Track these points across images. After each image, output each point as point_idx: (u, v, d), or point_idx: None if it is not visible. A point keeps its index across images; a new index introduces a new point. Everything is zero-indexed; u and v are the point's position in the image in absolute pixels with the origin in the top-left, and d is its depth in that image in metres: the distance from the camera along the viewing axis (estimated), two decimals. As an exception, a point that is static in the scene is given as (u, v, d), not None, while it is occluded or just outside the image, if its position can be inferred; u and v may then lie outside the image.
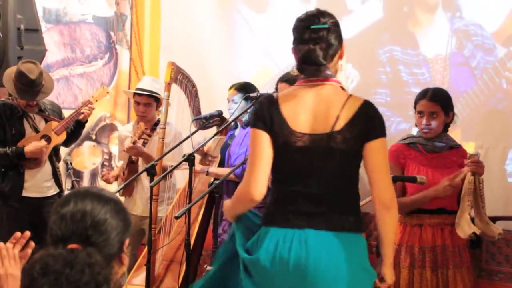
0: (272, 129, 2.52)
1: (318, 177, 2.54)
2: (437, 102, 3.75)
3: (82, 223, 1.85)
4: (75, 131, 4.96)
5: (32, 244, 2.14)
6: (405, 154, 3.81)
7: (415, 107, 3.85)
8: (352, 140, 2.52)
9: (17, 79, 4.58)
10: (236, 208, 2.70)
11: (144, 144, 4.72)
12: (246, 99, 4.35)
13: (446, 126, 3.83)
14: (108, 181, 5.03)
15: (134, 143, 4.59)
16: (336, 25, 2.64)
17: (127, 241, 1.95)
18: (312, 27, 2.58)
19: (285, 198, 2.57)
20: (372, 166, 2.55)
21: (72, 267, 1.74)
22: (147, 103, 4.80)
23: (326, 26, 2.59)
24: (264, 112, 2.54)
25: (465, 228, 3.51)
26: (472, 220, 3.56)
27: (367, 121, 2.54)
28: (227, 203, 2.78)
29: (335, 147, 2.51)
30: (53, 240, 1.87)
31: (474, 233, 3.50)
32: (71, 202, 1.89)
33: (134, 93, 4.86)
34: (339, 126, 2.51)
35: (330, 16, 2.65)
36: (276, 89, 4.31)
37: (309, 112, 2.54)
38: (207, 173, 4.56)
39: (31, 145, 4.61)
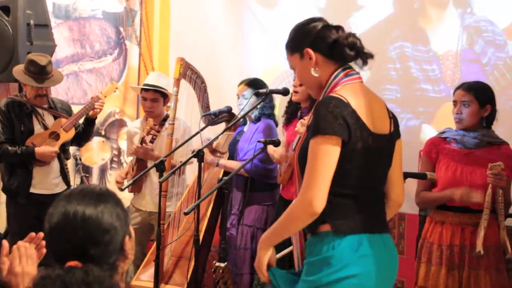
0: (352, 135, 2.38)
1: (383, 179, 2.59)
2: (470, 91, 3.65)
3: (76, 237, 1.78)
4: (86, 129, 4.95)
5: (43, 243, 2.11)
6: (439, 149, 3.73)
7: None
8: (396, 139, 2.60)
9: (27, 67, 4.59)
10: (292, 227, 2.45)
11: (152, 140, 4.71)
12: (256, 95, 4.33)
13: (488, 122, 3.70)
14: (120, 186, 4.88)
15: (143, 139, 4.59)
16: None
17: (127, 237, 1.89)
18: (335, 25, 2.56)
19: (365, 203, 2.47)
20: (395, 164, 2.61)
21: None
22: (154, 99, 4.79)
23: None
24: (340, 116, 2.37)
25: (478, 243, 3.43)
26: None
27: (396, 120, 2.64)
28: (269, 234, 2.52)
29: (392, 147, 2.57)
30: (53, 256, 1.83)
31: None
32: (61, 211, 1.82)
33: (141, 89, 4.86)
34: (392, 125, 2.57)
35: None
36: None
37: (374, 111, 2.49)
38: (217, 165, 4.56)
39: (43, 148, 4.61)
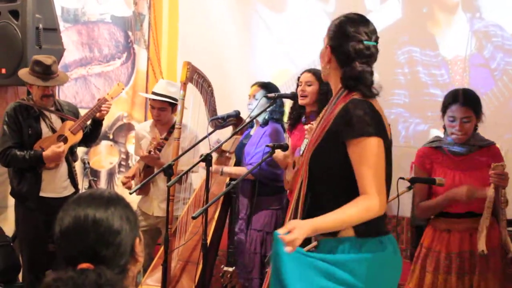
0: (383, 136, 2.46)
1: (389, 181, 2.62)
2: (469, 107, 3.61)
3: (87, 240, 1.78)
4: (93, 130, 4.94)
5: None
6: (432, 159, 3.72)
7: (444, 111, 3.68)
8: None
9: (32, 68, 4.60)
10: (357, 222, 2.42)
11: (160, 148, 4.72)
12: (265, 98, 4.34)
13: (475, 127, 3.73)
14: (129, 188, 4.87)
15: (149, 152, 4.59)
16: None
17: (137, 240, 1.89)
18: (365, 43, 2.57)
19: None
20: None
21: None
22: (161, 108, 4.79)
23: (376, 43, 2.60)
24: (377, 118, 2.45)
25: (480, 243, 3.44)
26: None
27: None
28: (323, 223, 2.40)
29: (391, 152, 2.59)
30: (64, 259, 1.83)
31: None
32: (71, 214, 1.83)
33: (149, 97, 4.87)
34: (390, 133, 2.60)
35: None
36: (298, 81, 4.25)
37: (384, 118, 2.54)
38: (222, 173, 4.55)
39: (49, 150, 4.59)
